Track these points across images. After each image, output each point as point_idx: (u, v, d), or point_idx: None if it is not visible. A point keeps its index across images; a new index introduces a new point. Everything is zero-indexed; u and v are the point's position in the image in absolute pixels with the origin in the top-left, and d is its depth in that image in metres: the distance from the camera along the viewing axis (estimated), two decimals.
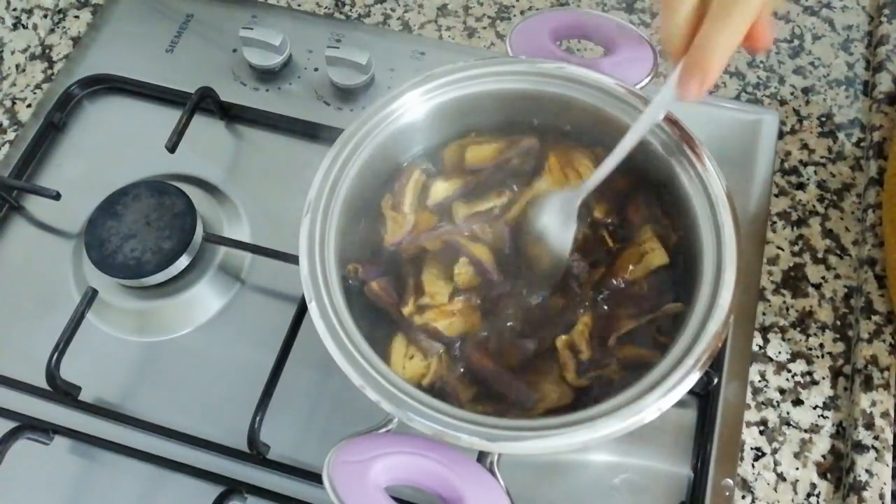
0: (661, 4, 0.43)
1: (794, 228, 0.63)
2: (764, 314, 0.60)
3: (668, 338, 0.45)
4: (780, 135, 0.67)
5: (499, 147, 0.54)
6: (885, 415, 0.54)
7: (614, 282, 0.50)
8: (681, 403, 0.47)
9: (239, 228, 0.64)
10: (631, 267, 0.50)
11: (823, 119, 0.68)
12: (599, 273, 0.51)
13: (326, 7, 0.77)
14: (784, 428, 0.56)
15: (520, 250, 0.52)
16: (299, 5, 0.77)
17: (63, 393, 0.56)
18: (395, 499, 0.40)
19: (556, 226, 0.50)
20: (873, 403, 0.55)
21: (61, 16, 0.77)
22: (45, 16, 0.76)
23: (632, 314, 0.49)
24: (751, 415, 0.56)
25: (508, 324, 0.50)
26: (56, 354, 0.55)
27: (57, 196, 0.63)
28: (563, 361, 0.48)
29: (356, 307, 0.47)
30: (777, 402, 0.57)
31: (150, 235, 0.60)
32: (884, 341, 0.57)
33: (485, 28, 0.75)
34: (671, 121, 0.49)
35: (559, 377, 0.48)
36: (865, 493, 0.52)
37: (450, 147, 0.55)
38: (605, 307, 0.50)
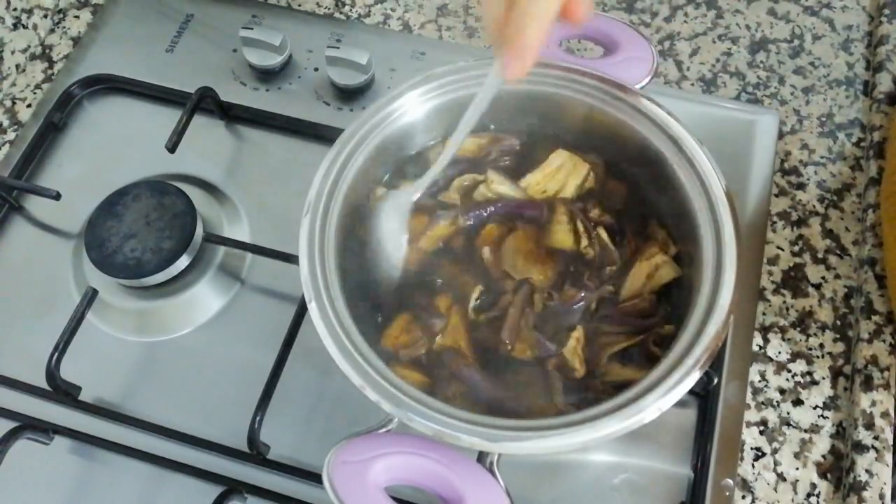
0: None
1: (794, 228, 0.63)
2: (764, 314, 0.60)
3: (660, 350, 0.46)
4: (780, 135, 0.67)
5: (480, 141, 0.55)
6: (885, 415, 0.54)
7: (621, 298, 0.50)
8: (681, 403, 0.47)
9: (239, 228, 0.64)
10: (642, 283, 0.50)
11: (823, 119, 0.68)
12: (606, 290, 0.50)
13: (326, 7, 0.77)
14: (784, 428, 0.56)
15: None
16: (299, 5, 0.77)
17: (63, 393, 0.56)
18: (395, 499, 0.40)
19: (393, 231, 0.50)
20: (873, 403, 0.55)
21: (61, 16, 0.77)
22: (45, 16, 0.76)
23: (626, 332, 0.49)
24: (751, 415, 0.56)
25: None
26: (56, 354, 0.55)
27: (57, 196, 0.63)
28: (551, 382, 0.48)
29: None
30: (777, 402, 0.57)
31: (150, 235, 0.60)
32: (884, 341, 0.57)
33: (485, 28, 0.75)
34: (671, 121, 0.49)
35: (546, 391, 0.48)
36: (865, 493, 0.52)
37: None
38: (601, 324, 0.50)
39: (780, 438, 0.56)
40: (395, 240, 0.50)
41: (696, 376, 0.41)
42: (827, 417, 0.56)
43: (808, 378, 0.58)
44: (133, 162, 0.67)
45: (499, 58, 0.41)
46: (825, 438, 0.56)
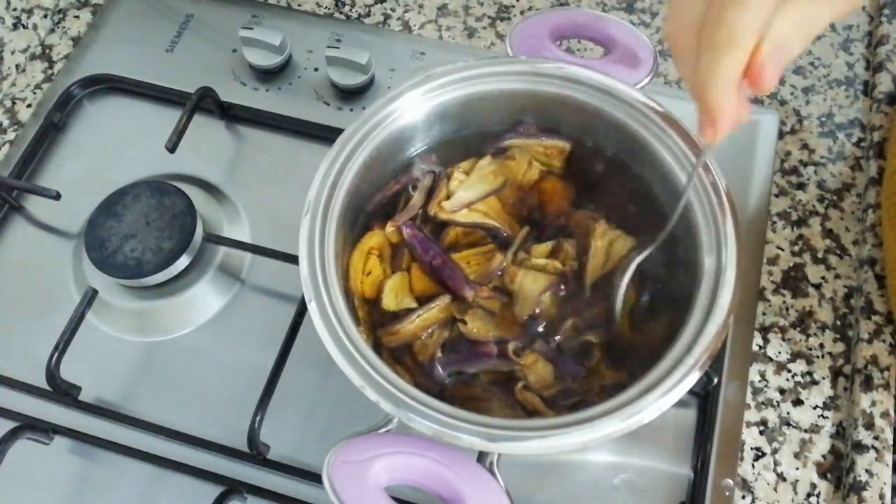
0: (673, 51, 0.40)
1: (794, 228, 0.63)
2: (764, 314, 0.60)
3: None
4: (780, 135, 0.67)
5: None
6: (885, 415, 0.54)
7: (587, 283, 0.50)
8: (681, 403, 0.47)
9: (239, 228, 0.64)
10: (602, 261, 0.50)
11: (823, 119, 0.68)
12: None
13: (326, 7, 0.77)
14: (784, 428, 0.56)
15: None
16: (299, 5, 0.77)
17: (63, 393, 0.56)
18: (395, 499, 0.40)
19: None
20: (873, 403, 0.55)
21: (61, 16, 0.77)
22: (45, 16, 0.76)
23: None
24: (751, 415, 0.56)
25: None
26: (56, 354, 0.55)
27: (57, 196, 0.63)
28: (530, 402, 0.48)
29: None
30: (777, 402, 0.57)
31: (150, 235, 0.60)
32: (884, 341, 0.57)
33: (485, 28, 0.75)
34: (671, 121, 0.49)
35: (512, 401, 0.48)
36: (865, 493, 0.52)
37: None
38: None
39: (780, 438, 0.56)
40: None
41: (696, 376, 0.41)
42: (827, 417, 0.56)
43: (808, 378, 0.58)
44: (133, 162, 0.67)
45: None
46: (825, 438, 0.56)
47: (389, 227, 0.52)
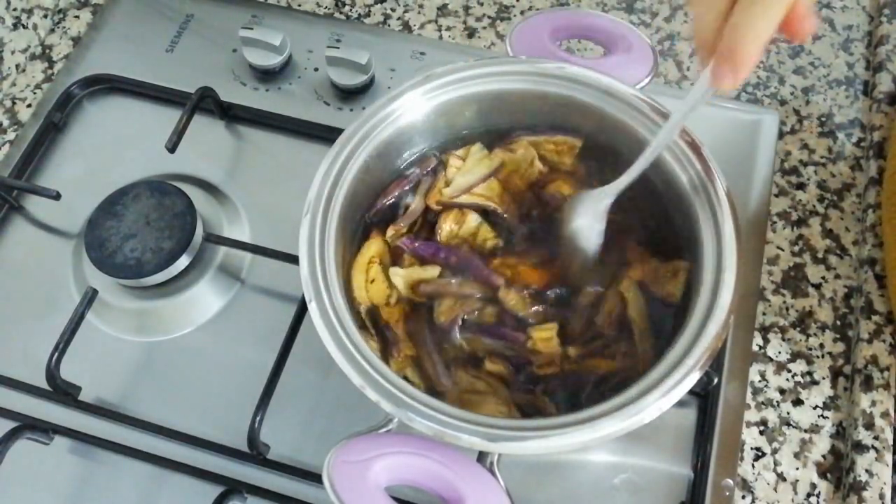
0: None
1: (794, 228, 0.63)
2: (764, 314, 0.60)
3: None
4: (780, 135, 0.67)
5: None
6: (885, 415, 0.54)
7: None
8: (681, 403, 0.47)
9: (239, 228, 0.64)
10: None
11: (823, 119, 0.68)
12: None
13: (326, 7, 0.77)
14: (784, 428, 0.56)
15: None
16: (299, 5, 0.77)
17: (63, 393, 0.56)
18: (395, 499, 0.40)
19: (586, 226, 0.50)
20: (873, 403, 0.55)
21: (61, 16, 0.77)
22: (45, 16, 0.76)
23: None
24: (751, 415, 0.56)
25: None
26: (56, 354, 0.55)
27: (57, 196, 0.63)
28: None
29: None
30: (777, 402, 0.57)
31: (150, 235, 0.60)
32: (884, 341, 0.57)
33: (485, 28, 0.75)
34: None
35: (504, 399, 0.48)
36: (865, 493, 0.52)
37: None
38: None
39: (780, 438, 0.56)
40: (588, 234, 0.51)
41: (696, 376, 0.41)
42: (827, 417, 0.56)
43: (808, 378, 0.58)
44: (133, 162, 0.67)
45: (709, 67, 0.40)
46: (825, 438, 0.56)
47: (391, 232, 0.52)
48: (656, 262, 0.50)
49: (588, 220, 0.50)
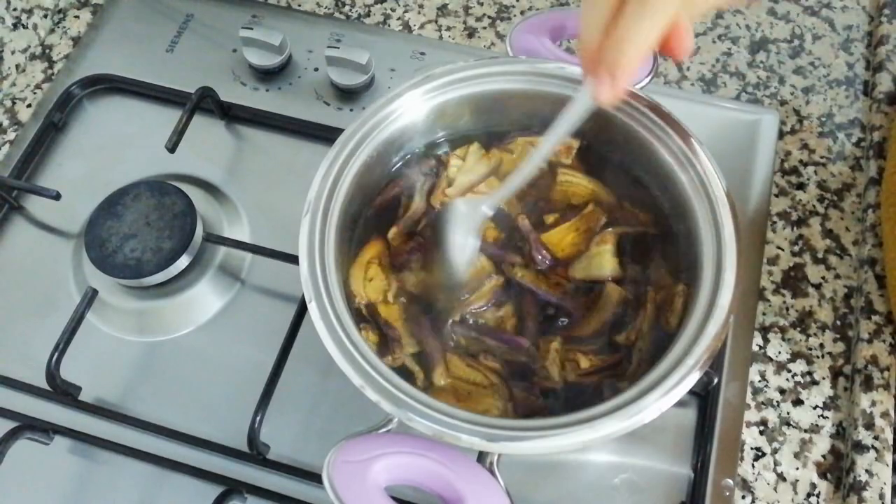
0: (582, 3, 0.41)
1: (794, 228, 0.63)
2: (764, 314, 0.60)
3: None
4: (780, 135, 0.67)
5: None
6: (885, 415, 0.54)
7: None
8: (681, 403, 0.47)
9: (239, 228, 0.64)
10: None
11: (823, 119, 0.68)
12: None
13: (326, 7, 0.77)
14: (784, 428, 0.56)
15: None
16: (299, 5, 0.77)
17: (63, 393, 0.56)
18: (395, 499, 0.40)
19: (459, 238, 0.49)
20: (873, 403, 0.55)
21: (61, 16, 0.77)
22: (45, 16, 0.76)
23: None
24: (751, 415, 0.56)
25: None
26: (56, 354, 0.55)
27: (57, 196, 0.63)
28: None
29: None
30: (777, 402, 0.57)
31: (150, 235, 0.60)
32: (884, 341, 0.57)
33: (485, 28, 0.75)
34: (671, 121, 0.49)
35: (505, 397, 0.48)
36: (865, 493, 0.52)
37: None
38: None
39: (780, 438, 0.56)
40: (462, 249, 0.49)
41: (696, 376, 0.41)
42: (827, 417, 0.56)
43: (808, 378, 0.58)
44: (133, 162, 0.67)
45: (590, 81, 0.41)
46: (825, 438, 0.56)
47: (393, 232, 0.52)
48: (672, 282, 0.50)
49: (461, 236, 0.49)
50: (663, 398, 0.41)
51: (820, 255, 0.62)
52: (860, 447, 0.53)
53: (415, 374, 0.48)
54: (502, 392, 0.47)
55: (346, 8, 0.77)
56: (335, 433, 0.55)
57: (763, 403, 0.57)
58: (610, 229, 0.52)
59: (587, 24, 0.40)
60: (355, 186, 0.50)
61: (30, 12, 0.75)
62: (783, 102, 0.69)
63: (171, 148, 0.62)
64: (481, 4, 0.76)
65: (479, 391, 0.47)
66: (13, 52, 0.74)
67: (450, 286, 0.50)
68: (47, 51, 0.75)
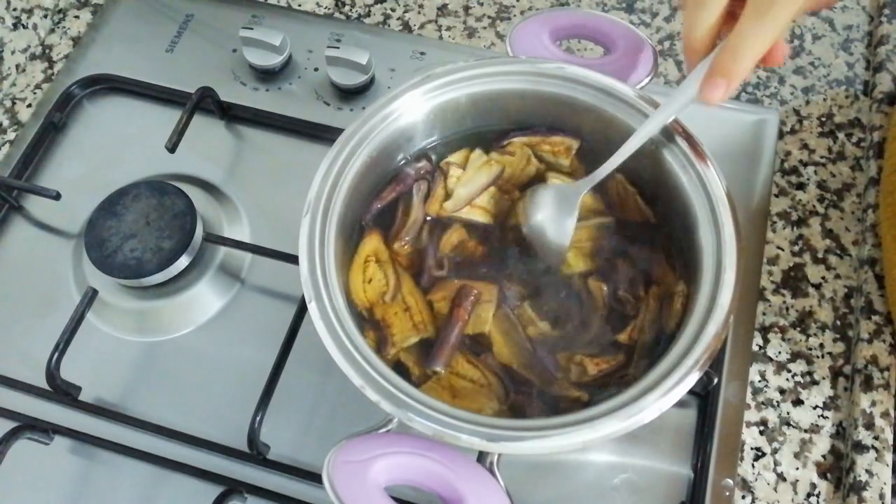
0: (688, 2, 0.43)
1: (794, 228, 0.63)
2: (764, 314, 0.60)
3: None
4: (780, 135, 0.67)
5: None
6: (885, 415, 0.54)
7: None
8: (681, 403, 0.47)
9: (239, 228, 0.64)
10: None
11: (823, 119, 0.68)
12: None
13: (326, 7, 0.77)
14: (784, 428, 0.56)
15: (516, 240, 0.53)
16: (299, 5, 0.77)
17: (63, 393, 0.56)
18: (395, 499, 0.40)
19: (555, 219, 0.50)
20: (873, 403, 0.55)
21: (61, 16, 0.77)
22: (45, 16, 0.76)
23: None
24: (751, 415, 0.56)
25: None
26: (56, 354, 0.55)
27: (57, 196, 0.63)
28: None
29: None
30: (777, 402, 0.57)
31: (150, 235, 0.60)
32: (884, 341, 0.57)
33: (485, 28, 0.75)
34: (671, 121, 0.49)
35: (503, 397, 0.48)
36: (865, 493, 0.52)
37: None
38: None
39: (780, 438, 0.56)
40: (558, 228, 0.51)
41: (696, 376, 0.41)
42: (827, 417, 0.56)
43: (808, 378, 0.58)
44: (133, 162, 0.67)
45: (698, 77, 0.44)
46: (825, 438, 0.56)
47: (395, 245, 0.52)
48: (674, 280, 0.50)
49: (557, 213, 0.51)
50: (663, 398, 0.41)
51: (820, 255, 0.62)
52: (860, 447, 0.53)
53: (409, 367, 0.48)
54: (498, 393, 0.47)
55: (346, 8, 0.77)
56: (335, 433, 0.55)
57: (763, 403, 0.57)
58: (590, 221, 0.52)
59: (694, 26, 0.43)
60: (355, 186, 0.50)
61: (30, 12, 0.75)
62: (783, 102, 0.69)
63: (171, 148, 0.62)
64: (481, 4, 0.76)
65: (474, 389, 0.47)
66: (13, 52, 0.74)
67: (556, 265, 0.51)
68: (47, 51, 0.75)
